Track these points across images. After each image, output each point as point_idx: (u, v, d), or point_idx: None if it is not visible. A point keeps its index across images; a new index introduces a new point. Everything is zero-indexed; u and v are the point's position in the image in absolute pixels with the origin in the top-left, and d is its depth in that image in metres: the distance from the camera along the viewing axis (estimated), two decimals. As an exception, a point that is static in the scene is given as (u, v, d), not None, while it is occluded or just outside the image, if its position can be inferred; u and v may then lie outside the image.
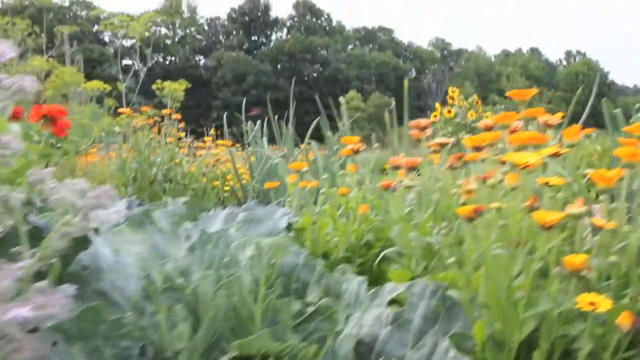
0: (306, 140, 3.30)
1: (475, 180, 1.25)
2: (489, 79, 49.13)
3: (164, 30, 52.85)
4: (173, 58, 51.94)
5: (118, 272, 1.24)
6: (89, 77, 5.92)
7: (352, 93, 41.79)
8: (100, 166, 4.36)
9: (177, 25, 52.84)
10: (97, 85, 5.10)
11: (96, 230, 1.34)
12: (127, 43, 50.94)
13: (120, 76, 4.95)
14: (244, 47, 52.71)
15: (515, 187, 1.22)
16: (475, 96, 7.44)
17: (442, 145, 1.43)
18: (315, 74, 52.02)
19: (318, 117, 3.61)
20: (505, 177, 1.21)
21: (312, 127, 3.56)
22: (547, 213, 1.07)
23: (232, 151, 3.94)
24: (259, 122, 3.99)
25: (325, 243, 1.97)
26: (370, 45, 57.02)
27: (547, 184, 1.14)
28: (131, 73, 5.11)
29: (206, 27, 54.75)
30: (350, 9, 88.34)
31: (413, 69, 56.67)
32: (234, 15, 53.76)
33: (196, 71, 50.61)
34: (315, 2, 55.49)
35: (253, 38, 54.17)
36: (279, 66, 51.01)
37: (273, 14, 55.03)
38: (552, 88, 40.34)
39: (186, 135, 4.65)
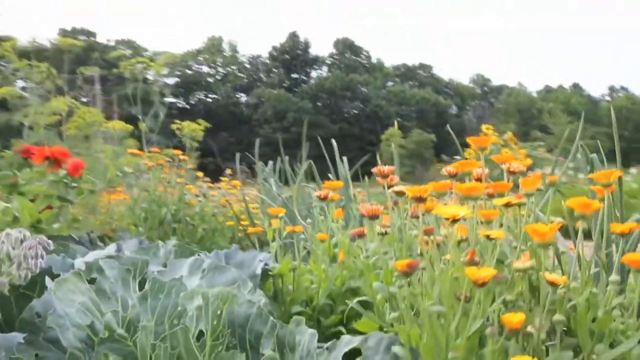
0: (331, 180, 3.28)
1: (422, 233, 1.21)
2: (530, 115, 48.70)
3: (205, 69, 53.73)
4: (215, 96, 52.63)
5: (61, 321, 1.23)
6: (127, 117, 6.01)
7: (392, 129, 41.80)
8: (119, 205, 4.40)
9: (218, 64, 53.62)
10: (119, 125, 5.16)
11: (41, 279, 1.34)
12: (170, 81, 51.94)
13: (141, 116, 5.01)
14: (285, 84, 53.19)
15: (463, 240, 1.19)
16: (509, 133, 7.35)
17: (399, 193, 1.39)
18: (355, 111, 52.17)
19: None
20: (452, 230, 1.17)
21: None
22: (480, 269, 1.02)
23: (244, 192, 3.94)
24: (270, 161, 4.00)
25: (304, 290, 1.94)
26: (410, 82, 57.07)
27: (488, 237, 1.10)
28: (151, 112, 5.16)
29: (247, 65, 55.43)
30: (390, 46, 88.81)
31: (453, 106, 56.49)
32: (274, 54, 54.38)
33: (237, 108, 51.20)
34: (354, 40, 55.94)
35: (293, 76, 54.65)
36: (319, 103, 51.31)
37: (313, 51, 55.55)
38: (595, 124, 39.79)
39: (203, 172, 4.64)
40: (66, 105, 4.81)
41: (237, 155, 4.08)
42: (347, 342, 1.34)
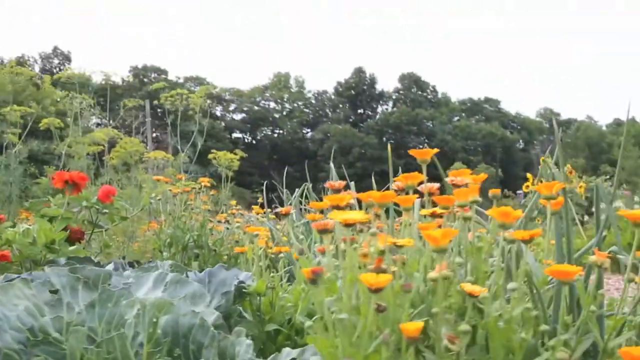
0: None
1: (344, 242, 1.23)
2: (599, 149, 47.57)
3: (272, 104, 54.50)
4: (281, 131, 53.23)
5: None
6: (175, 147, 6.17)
7: (458, 165, 41.41)
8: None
9: (285, 99, 54.31)
10: (160, 155, 5.30)
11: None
12: (237, 117, 52.79)
13: (179, 146, 5.15)
14: (350, 119, 53.47)
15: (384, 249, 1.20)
16: (568, 166, 7.23)
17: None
18: (421, 146, 51.93)
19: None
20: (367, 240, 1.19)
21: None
22: (374, 275, 1.04)
23: (264, 221, 3.98)
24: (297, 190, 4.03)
25: (281, 308, 1.96)
26: (477, 117, 56.59)
27: (394, 244, 1.11)
28: (190, 143, 5.28)
29: (313, 101, 55.97)
30: (456, 81, 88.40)
31: (520, 140, 55.70)
32: (340, 89, 54.77)
33: (303, 144, 51.65)
34: (420, 75, 55.90)
35: (359, 111, 54.90)
36: (384, 138, 51.32)
37: (379, 87, 55.74)
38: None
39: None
40: (107, 136, 4.97)
41: (265, 183, 4.14)
42: (287, 354, 1.37)
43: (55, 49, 47.41)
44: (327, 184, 1.54)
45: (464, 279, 1.22)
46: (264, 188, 4.18)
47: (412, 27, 73.42)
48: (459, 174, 1.39)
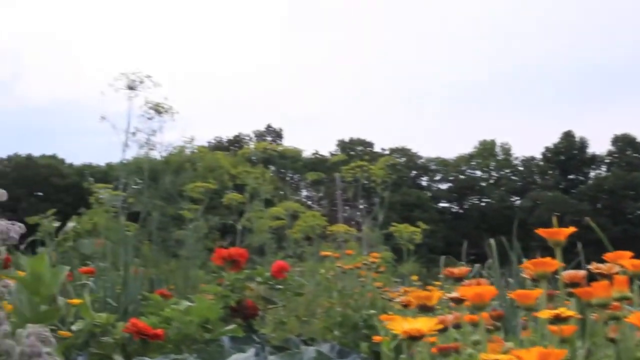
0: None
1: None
2: None
3: (478, 173, 53.59)
4: (489, 200, 52.07)
5: None
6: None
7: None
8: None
9: (491, 167, 53.21)
10: (342, 228, 5.21)
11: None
12: (443, 186, 52.48)
13: (360, 219, 5.01)
14: (561, 186, 51.16)
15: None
16: None
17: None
18: (639, 212, 48.45)
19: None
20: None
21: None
22: None
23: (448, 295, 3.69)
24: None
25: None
26: None
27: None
28: (373, 216, 5.13)
29: (521, 168, 54.33)
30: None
31: None
32: (548, 155, 52.74)
33: (512, 212, 50.05)
34: (635, 136, 52.48)
35: (570, 176, 52.43)
36: (599, 204, 48.46)
37: (590, 150, 53.02)
38: None
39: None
40: (286, 210, 4.96)
41: (442, 257, 3.85)
42: None
43: (268, 126, 50.22)
44: (444, 272, 1.29)
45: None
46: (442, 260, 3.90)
47: (622, 85, 69.63)
48: (616, 258, 1.07)
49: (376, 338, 2.30)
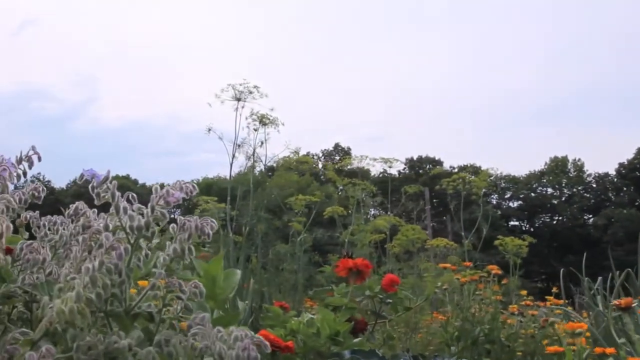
0: None
1: None
2: None
3: (550, 190, 52.44)
4: (560, 217, 50.89)
5: None
6: (456, 234, 5.96)
7: None
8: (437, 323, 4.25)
9: (563, 185, 52.02)
10: (442, 242, 5.09)
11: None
12: (513, 204, 51.54)
13: (463, 233, 4.88)
14: (636, 203, 49.58)
15: None
16: None
17: None
18: None
19: None
20: None
21: None
22: None
23: (568, 311, 3.53)
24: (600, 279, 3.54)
25: None
26: None
27: None
28: (474, 229, 5.00)
29: (594, 185, 52.94)
30: None
31: None
32: (623, 171, 51.24)
33: (584, 230, 48.71)
34: None
35: (646, 193, 50.83)
36: (678, 223, 46.81)
37: (668, 165, 51.31)
38: None
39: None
40: (388, 223, 4.87)
41: (561, 271, 3.70)
42: None
43: (336, 145, 50.28)
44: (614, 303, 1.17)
45: None
46: (560, 275, 3.75)
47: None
48: None
49: (553, 348, 2.16)
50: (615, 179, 52.28)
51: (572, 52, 65.20)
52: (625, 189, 51.25)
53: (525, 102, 64.97)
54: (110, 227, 1.15)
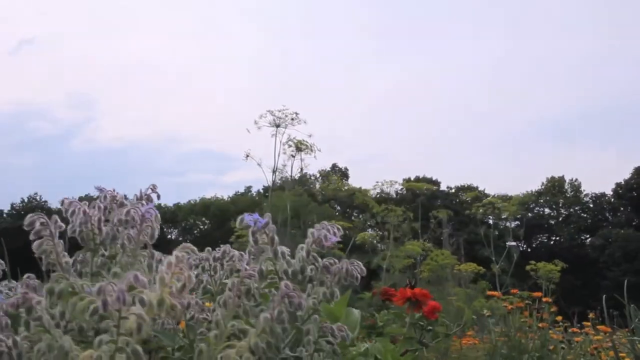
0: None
1: None
2: None
3: (547, 210, 52.49)
4: (557, 238, 50.91)
5: None
6: (474, 258, 5.97)
7: None
8: (472, 350, 4.24)
9: (560, 205, 52.11)
10: (470, 267, 5.09)
11: None
12: (510, 225, 51.59)
13: (493, 258, 4.88)
14: (634, 223, 49.63)
15: None
16: None
17: None
18: None
19: None
20: None
21: None
22: None
23: (614, 339, 3.53)
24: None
25: None
26: None
27: None
28: (504, 254, 5.00)
29: (591, 205, 53.03)
30: None
31: None
32: (620, 191, 51.38)
33: (582, 250, 48.71)
34: None
35: (643, 214, 50.89)
36: (675, 243, 46.85)
37: (664, 185, 51.44)
38: None
39: (570, 318, 4.35)
40: (420, 249, 4.87)
41: (604, 297, 3.70)
42: None
43: (333, 166, 50.25)
44: None
45: None
46: (603, 301, 3.74)
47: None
48: None
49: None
50: (613, 199, 52.39)
51: (570, 73, 65.57)
52: (622, 209, 51.33)
53: (522, 123, 65.14)
54: (264, 271, 1.15)
